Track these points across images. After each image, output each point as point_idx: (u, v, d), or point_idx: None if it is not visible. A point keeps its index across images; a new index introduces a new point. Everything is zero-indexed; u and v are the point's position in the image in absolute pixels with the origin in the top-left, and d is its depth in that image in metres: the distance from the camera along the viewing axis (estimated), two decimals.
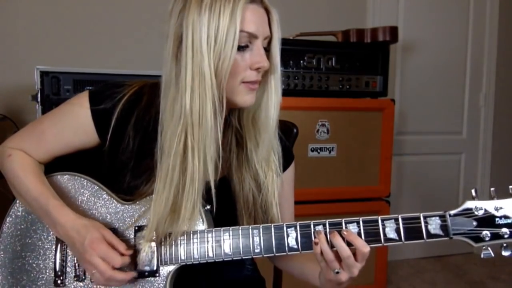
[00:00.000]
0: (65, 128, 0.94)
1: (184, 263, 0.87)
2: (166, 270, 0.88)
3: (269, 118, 0.90)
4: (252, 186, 0.95)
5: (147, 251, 0.87)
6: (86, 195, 0.93)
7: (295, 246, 0.84)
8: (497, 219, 0.81)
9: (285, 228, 0.85)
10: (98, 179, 0.95)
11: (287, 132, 1.17)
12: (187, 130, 0.82)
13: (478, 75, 3.06)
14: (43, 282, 0.90)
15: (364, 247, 0.81)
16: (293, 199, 1.10)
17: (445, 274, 2.75)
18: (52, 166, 0.97)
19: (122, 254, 0.83)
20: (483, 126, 3.11)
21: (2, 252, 0.93)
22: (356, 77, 2.14)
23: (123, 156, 0.92)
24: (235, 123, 0.94)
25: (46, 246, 0.92)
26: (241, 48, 0.82)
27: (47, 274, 0.91)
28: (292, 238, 0.85)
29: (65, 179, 0.95)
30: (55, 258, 0.91)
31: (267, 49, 0.87)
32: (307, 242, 0.84)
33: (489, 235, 0.81)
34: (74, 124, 0.93)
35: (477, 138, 3.12)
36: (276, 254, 0.85)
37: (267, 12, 0.85)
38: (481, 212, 0.81)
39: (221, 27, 0.79)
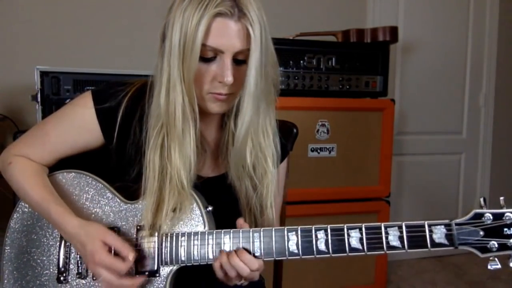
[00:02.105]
0: (69, 129, 0.94)
1: (184, 264, 0.88)
2: (167, 270, 0.88)
3: (238, 133, 0.89)
4: (248, 185, 0.95)
5: (148, 249, 0.88)
6: (91, 193, 0.94)
7: (296, 251, 0.84)
8: (505, 229, 0.78)
9: (286, 232, 0.85)
10: (105, 175, 0.95)
11: (287, 132, 1.18)
12: (164, 127, 0.85)
13: (478, 75, 3.06)
14: (46, 278, 0.91)
15: (252, 265, 0.83)
16: (281, 196, 1.12)
17: (445, 274, 2.75)
18: (59, 164, 0.98)
19: (125, 258, 0.83)
20: (483, 126, 3.11)
21: (8, 247, 0.94)
22: (356, 77, 2.14)
23: (131, 150, 0.93)
24: (230, 125, 0.95)
25: (50, 243, 0.93)
26: (207, 60, 0.82)
27: (51, 270, 0.91)
28: (293, 243, 0.84)
29: (71, 176, 0.95)
30: (58, 255, 0.91)
31: (245, 61, 0.84)
32: (308, 247, 0.84)
33: (496, 245, 0.78)
34: (78, 124, 0.94)
35: (477, 138, 3.12)
36: (277, 259, 0.85)
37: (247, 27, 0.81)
38: (488, 222, 0.79)
39: (188, 36, 0.79)
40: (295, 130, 1.19)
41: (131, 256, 0.84)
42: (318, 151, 2.08)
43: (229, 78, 0.82)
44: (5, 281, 0.92)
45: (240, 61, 0.85)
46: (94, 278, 0.90)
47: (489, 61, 3.06)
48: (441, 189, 3.03)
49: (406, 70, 2.88)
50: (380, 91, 2.19)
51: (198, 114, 0.86)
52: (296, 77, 2.05)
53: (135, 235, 0.89)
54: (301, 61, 2.06)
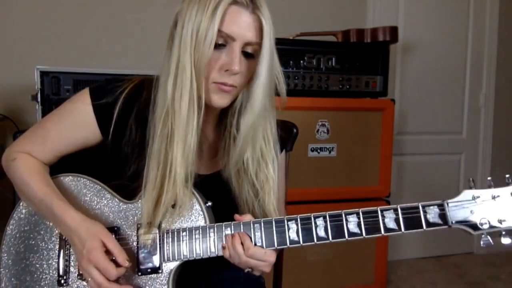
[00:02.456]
0: (68, 126, 0.95)
1: (186, 259, 0.88)
2: (169, 266, 0.88)
3: (248, 133, 0.89)
4: (249, 190, 0.95)
5: (150, 246, 0.88)
6: (89, 196, 0.94)
7: (296, 239, 0.85)
8: (495, 206, 0.82)
9: (286, 221, 0.86)
10: (102, 172, 0.95)
11: (287, 132, 1.18)
12: (170, 116, 0.85)
13: (478, 75, 3.06)
14: (46, 282, 0.91)
15: (252, 252, 0.84)
16: (283, 189, 1.12)
17: (445, 274, 2.75)
18: (56, 166, 0.98)
19: (119, 265, 0.83)
20: (483, 126, 3.11)
21: (5, 254, 0.93)
22: (356, 77, 2.14)
23: (127, 148, 0.93)
24: (231, 128, 0.95)
25: (49, 247, 0.92)
26: (217, 46, 0.83)
27: (51, 274, 0.91)
28: (293, 231, 0.85)
29: (68, 180, 0.95)
30: (58, 258, 0.91)
31: (253, 56, 0.86)
32: (308, 234, 0.85)
33: (487, 223, 0.82)
34: (76, 121, 0.94)
35: (477, 138, 3.12)
36: (278, 248, 0.86)
37: (260, 20, 0.84)
38: (479, 201, 0.83)
39: (203, 23, 0.80)
40: (295, 130, 1.19)
41: (126, 263, 0.83)
42: (318, 151, 2.08)
43: (236, 67, 0.83)
44: None
45: (248, 54, 0.86)
46: (79, 277, 0.89)
47: (489, 61, 3.06)
48: (441, 189, 3.03)
49: (406, 70, 2.88)
50: (380, 91, 2.19)
51: (203, 102, 0.86)
52: (296, 77, 2.05)
53: (135, 234, 0.89)
54: (301, 61, 2.06)
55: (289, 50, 2.04)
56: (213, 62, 0.84)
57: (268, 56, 0.84)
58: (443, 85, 2.96)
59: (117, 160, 0.94)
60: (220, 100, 0.88)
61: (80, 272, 0.90)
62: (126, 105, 0.92)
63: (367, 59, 2.15)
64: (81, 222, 0.85)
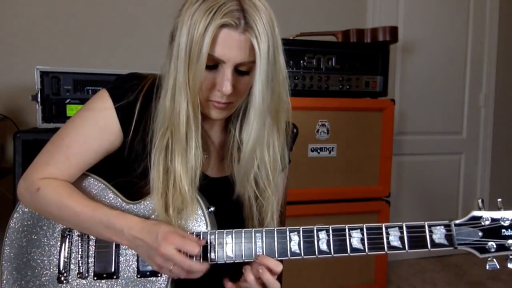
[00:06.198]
0: (92, 134, 0.91)
1: None
2: None
3: (245, 148, 0.89)
4: (251, 195, 0.95)
5: None
6: (93, 194, 0.94)
7: (298, 251, 0.85)
8: (503, 230, 0.80)
9: (288, 232, 0.85)
10: (110, 169, 0.95)
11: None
12: (169, 130, 0.85)
13: (478, 75, 3.06)
14: (46, 278, 0.91)
15: (277, 267, 0.83)
16: (279, 203, 1.10)
17: (445, 274, 2.75)
18: None
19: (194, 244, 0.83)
20: (483, 126, 3.11)
21: (8, 247, 0.94)
22: (356, 77, 2.14)
23: (138, 146, 0.92)
24: (234, 132, 0.95)
25: (51, 243, 0.92)
26: (208, 67, 0.82)
27: (51, 270, 0.91)
28: (294, 243, 0.85)
29: None
30: (59, 255, 0.91)
31: (248, 73, 0.84)
32: (310, 247, 0.84)
33: (494, 246, 0.80)
34: (99, 127, 0.91)
35: (477, 138, 3.12)
36: (278, 258, 0.85)
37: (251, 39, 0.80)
38: (487, 223, 0.80)
39: (194, 44, 0.78)
40: (295, 130, 1.19)
41: (200, 242, 0.83)
42: (318, 151, 2.08)
43: (227, 88, 0.81)
44: (4, 281, 0.92)
45: (242, 72, 0.84)
46: (79, 275, 0.89)
47: (489, 61, 3.07)
48: (441, 189, 3.03)
49: (406, 70, 2.88)
50: (380, 91, 2.19)
51: (200, 121, 0.86)
52: (296, 77, 2.05)
53: None
54: (301, 61, 2.06)
55: (289, 50, 2.03)
56: (206, 82, 0.83)
57: (262, 77, 0.81)
58: (443, 85, 2.97)
59: (129, 158, 0.93)
60: (218, 115, 0.88)
61: (80, 271, 0.90)
62: (145, 103, 0.91)
63: (367, 59, 2.15)
64: (144, 221, 0.85)
